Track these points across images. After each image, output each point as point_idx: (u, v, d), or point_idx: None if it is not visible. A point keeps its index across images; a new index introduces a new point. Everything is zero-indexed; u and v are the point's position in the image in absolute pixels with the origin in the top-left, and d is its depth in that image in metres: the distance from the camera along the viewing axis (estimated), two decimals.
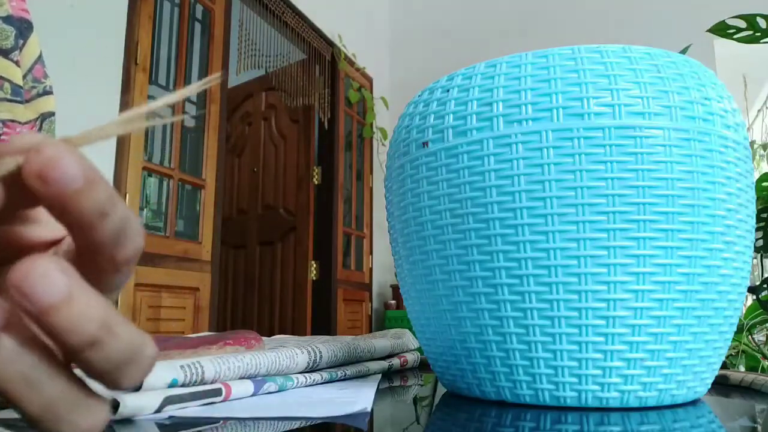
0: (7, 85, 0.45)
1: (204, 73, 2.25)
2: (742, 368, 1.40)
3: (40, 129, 0.48)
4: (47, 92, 0.50)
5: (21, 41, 0.47)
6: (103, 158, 1.80)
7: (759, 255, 1.29)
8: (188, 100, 2.19)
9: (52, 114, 0.50)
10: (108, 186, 0.16)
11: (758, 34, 1.15)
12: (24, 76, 0.48)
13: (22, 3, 0.48)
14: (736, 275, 0.36)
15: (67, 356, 0.16)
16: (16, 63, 0.46)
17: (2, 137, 0.44)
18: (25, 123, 0.47)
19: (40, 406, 0.16)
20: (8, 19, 0.46)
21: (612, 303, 0.33)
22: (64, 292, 0.14)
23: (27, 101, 0.48)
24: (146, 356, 0.17)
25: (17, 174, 0.14)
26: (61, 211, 0.15)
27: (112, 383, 0.17)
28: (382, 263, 3.53)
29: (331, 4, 3.25)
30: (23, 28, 0.47)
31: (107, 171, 1.80)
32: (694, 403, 0.37)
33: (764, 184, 1.16)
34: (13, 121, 0.45)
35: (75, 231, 0.16)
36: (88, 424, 0.17)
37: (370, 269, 3.42)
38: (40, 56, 0.50)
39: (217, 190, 2.23)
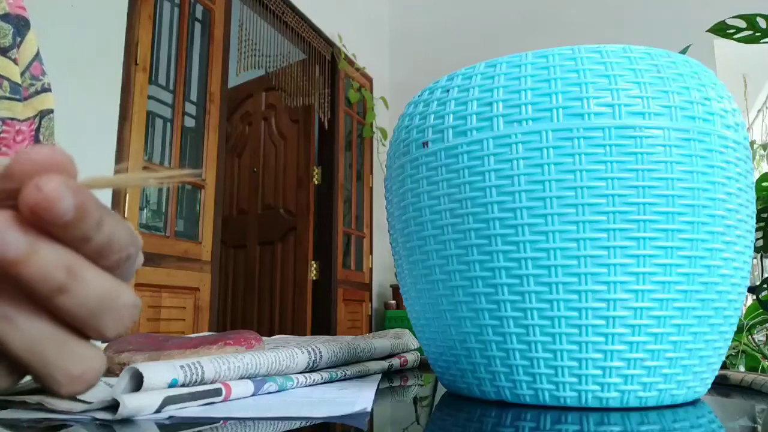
0: (6, 83, 0.45)
1: (204, 73, 2.25)
2: (742, 368, 1.40)
3: (38, 126, 0.48)
4: (45, 89, 0.50)
5: (18, 39, 0.47)
6: (103, 158, 1.80)
7: (759, 255, 1.29)
8: (188, 100, 2.19)
9: (51, 111, 0.50)
10: (97, 212, 0.17)
11: (758, 34, 1.15)
12: (22, 74, 0.48)
13: (19, 0, 0.48)
14: (736, 275, 0.36)
15: (43, 305, 0.17)
16: (14, 61, 0.46)
17: (2, 135, 0.44)
18: (24, 120, 0.47)
19: (23, 344, 0.17)
20: (6, 17, 0.46)
21: (612, 303, 0.33)
22: (24, 246, 0.16)
23: (25, 99, 0.48)
24: (123, 304, 0.18)
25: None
26: (46, 230, 0.16)
27: (95, 332, 0.18)
28: (382, 263, 3.53)
29: (331, 4, 3.25)
30: (20, 25, 0.47)
31: (107, 171, 1.80)
32: (694, 403, 0.37)
33: (764, 184, 1.16)
34: (12, 119, 0.45)
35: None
36: (79, 371, 0.18)
37: (370, 269, 3.42)
38: (37, 53, 0.50)
39: (217, 190, 2.23)
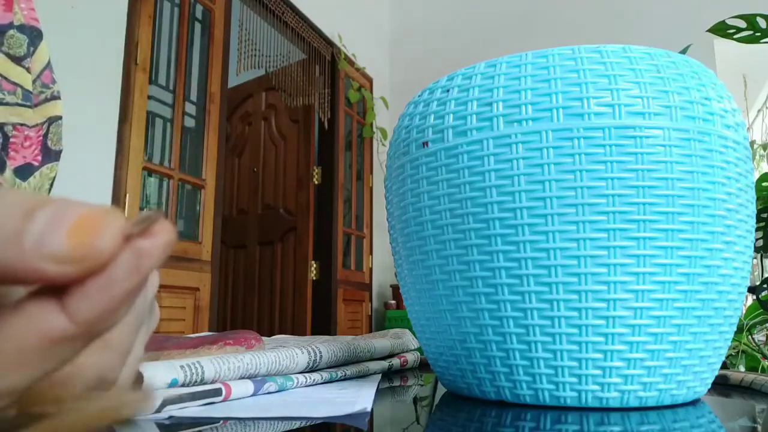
0: (19, 90, 0.46)
1: (204, 73, 2.25)
2: (742, 368, 1.40)
3: (47, 132, 0.49)
4: (55, 97, 0.51)
5: (32, 48, 0.49)
6: (103, 158, 1.80)
7: (759, 255, 1.29)
8: (188, 100, 2.19)
9: (59, 118, 0.51)
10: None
11: (758, 34, 1.15)
12: (33, 81, 0.49)
13: (33, 12, 0.49)
14: (736, 275, 0.36)
15: None
16: (27, 69, 0.47)
17: (12, 140, 0.45)
18: (33, 126, 0.48)
19: None
20: (21, 28, 0.47)
21: (612, 303, 0.33)
22: None
23: (35, 105, 0.49)
24: None
25: None
26: None
27: None
28: (382, 263, 3.53)
29: (331, 4, 3.25)
30: (34, 36, 0.49)
31: (107, 171, 1.80)
32: (694, 403, 0.37)
33: (764, 184, 1.16)
34: (22, 124, 0.46)
35: None
36: None
37: (370, 269, 3.42)
38: (48, 62, 0.51)
39: (217, 190, 2.23)
